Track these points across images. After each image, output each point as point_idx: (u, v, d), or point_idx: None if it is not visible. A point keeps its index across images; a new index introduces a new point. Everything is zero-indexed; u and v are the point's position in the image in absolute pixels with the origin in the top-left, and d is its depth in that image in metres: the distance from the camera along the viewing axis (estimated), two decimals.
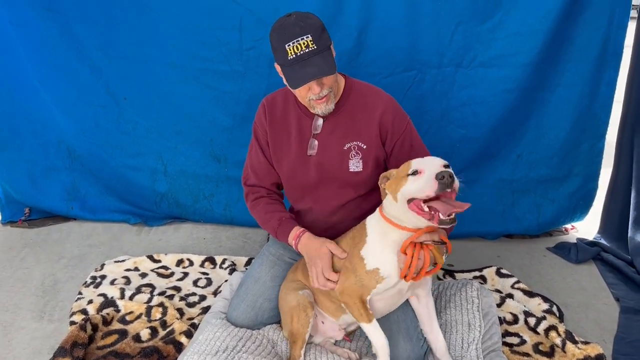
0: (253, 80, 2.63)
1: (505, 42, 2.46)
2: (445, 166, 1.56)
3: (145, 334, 2.00)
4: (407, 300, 1.84)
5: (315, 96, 1.75)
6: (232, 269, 2.48)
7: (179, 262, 2.54)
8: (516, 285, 2.32)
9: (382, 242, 1.66)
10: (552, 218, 2.81)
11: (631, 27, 2.52)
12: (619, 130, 2.64)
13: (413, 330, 1.82)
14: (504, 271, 2.42)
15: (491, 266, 2.47)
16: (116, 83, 2.76)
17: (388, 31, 2.47)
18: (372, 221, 1.75)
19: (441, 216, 1.49)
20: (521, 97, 2.57)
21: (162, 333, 2.02)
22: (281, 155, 1.96)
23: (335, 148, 1.88)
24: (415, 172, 1.55)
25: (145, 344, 1.96)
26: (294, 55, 1.68)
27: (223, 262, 2.55)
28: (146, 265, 2.51)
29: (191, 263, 2.54)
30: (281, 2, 2.35)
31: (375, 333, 1.69)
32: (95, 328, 2.01)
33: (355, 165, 1.87)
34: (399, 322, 1.81)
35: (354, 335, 1.97)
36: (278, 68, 1.79)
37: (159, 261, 2.55)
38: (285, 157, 1.95)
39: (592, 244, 2.67)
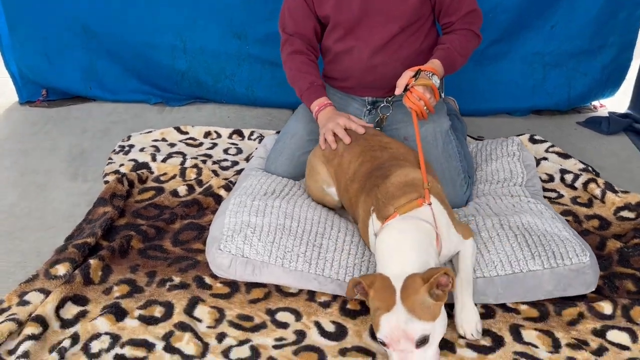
0: None
1: None
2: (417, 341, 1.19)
3: (182, 190, 1.99)
4: (449, 150, 1.83)
5: None
6: (261, 139, 2.44)
7: (207, 134, 2.49)
8: (550, 149, 2.29)
9: None
10: (583, 92, 2.76)
11: None
12: None
13: (456, 176, 1.82)
14: (537, 137, 2.39)
15: (523, 134, 2.44)
16: None
17: None
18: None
19: None
20: None
21: (199, 189, 2.01)
22: None
23: None
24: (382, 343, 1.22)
25: (183, 198, 1.95)
26: None
27: (251, 134, 2.51)
28: (174, 136, 2.47)
29: (219, 135, 2.50)
30: None
31: None
32: (131, 185, 2.00)
33: None
34: (443, 170, 1.80)
35: None
36: None
37: (187, 133, 2.50)
38: None
39: (624, 115, 2.63)
